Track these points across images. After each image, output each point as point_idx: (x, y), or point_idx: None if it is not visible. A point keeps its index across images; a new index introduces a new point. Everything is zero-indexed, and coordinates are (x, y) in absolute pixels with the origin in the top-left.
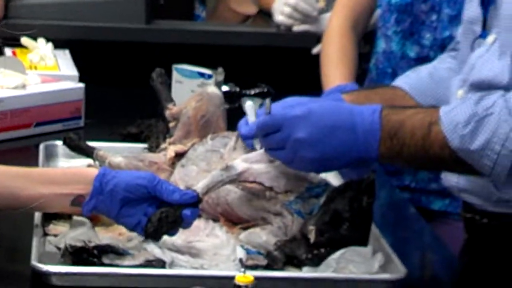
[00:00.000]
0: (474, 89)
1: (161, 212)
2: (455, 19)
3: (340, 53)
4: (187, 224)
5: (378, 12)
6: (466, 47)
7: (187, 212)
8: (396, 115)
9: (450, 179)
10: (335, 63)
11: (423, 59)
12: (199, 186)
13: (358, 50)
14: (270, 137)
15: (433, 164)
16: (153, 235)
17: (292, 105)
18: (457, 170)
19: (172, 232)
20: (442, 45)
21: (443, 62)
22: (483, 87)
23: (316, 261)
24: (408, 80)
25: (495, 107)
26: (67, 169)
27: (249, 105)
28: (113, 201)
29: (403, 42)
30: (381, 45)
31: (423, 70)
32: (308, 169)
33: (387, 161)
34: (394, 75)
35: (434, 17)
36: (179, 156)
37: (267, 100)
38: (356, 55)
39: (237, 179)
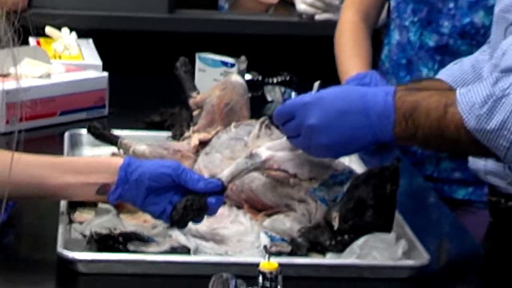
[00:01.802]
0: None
1: (186, 200)
2: (475, 5)
3: (353, 45)
4: (212, 212)
5: (391, 4)
6: (499, 34)
7: (212, 200)
8: (411, 96)
9: (478, 161)
10: (350, 55)
11: (442, 47)
12: (224, 174)
13: (371, 42)
14: (287, 125)
15: (448, 146)
16: (178, 222)
17: (305, 94)
18: (472, 152)
19: (197, 220)
20: (462, 32)
21: (483, 54)
22: None
23: (339, 248)
24: (451, 73)
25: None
26: (92, 158)
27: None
28: (138, 190)
29: (421, 31)
30: (395, 36)
31: (466, 62)
32: (325, 155)
33: (403, 143)
34: (409, 65)
35: (451, 4)
36: (203, 144)
37: (279, 88)
38: (369, 47)
39: (261, 166)
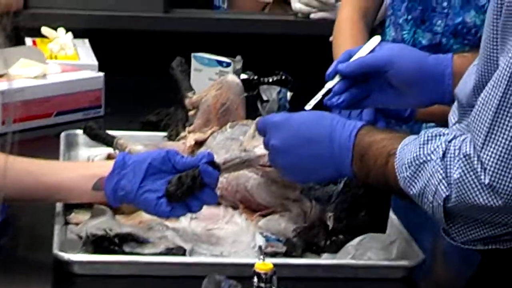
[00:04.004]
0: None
1: (180, 174)
2: (467, 4)
3: (351, 43)
4: (208, 180)
5: (387, 1)
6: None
7: (204, 166)
8: (368, 136)
9: None
10: None
11: (435, 46)
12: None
13: (368, 40)
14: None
15: (397, 194)
16: (175, 194)
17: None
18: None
19: (194, 202)
20: (454, 31)
21: None
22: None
23: (334, 248)
24: None
25: (434, 153)
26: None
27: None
28: (135, 173)
29: (415, 30)
30: (390, 33)
31: None
32: (288, 177)
33: (362, 180)
34: None
35: (445, 3)
36: (199, 144)
37: (274, 88)
38: None
39: (254, 161)
